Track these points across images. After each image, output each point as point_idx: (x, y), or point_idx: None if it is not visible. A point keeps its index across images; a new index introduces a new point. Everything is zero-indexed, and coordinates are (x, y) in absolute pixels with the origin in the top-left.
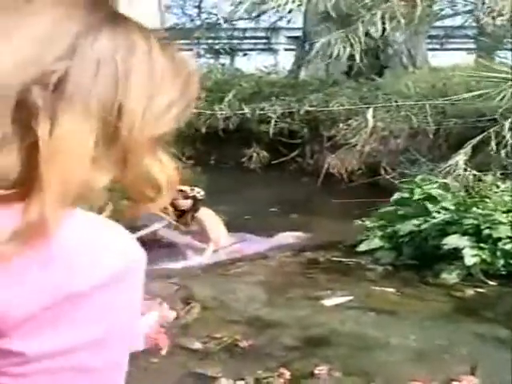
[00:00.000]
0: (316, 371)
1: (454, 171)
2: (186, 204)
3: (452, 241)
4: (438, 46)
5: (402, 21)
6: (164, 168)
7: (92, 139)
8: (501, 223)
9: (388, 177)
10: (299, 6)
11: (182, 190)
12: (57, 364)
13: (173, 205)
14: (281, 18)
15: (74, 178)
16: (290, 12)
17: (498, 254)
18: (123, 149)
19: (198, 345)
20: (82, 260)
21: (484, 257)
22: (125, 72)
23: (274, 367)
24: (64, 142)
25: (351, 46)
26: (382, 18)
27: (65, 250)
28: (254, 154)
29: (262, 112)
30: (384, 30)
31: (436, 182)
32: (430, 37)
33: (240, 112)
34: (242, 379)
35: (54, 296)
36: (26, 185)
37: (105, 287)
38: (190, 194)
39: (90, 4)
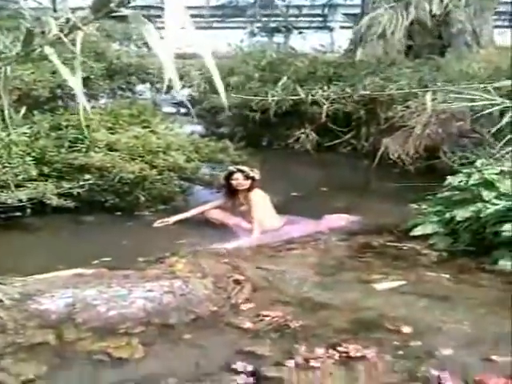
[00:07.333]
0: (366, 354)
1: None
2: (246, 184)
3: None
4: (506, 23)
5: None
6: None
7: None
8: None
9: (447, 160)
10: None
11: (242, 171)
12: None
13: (232, 186)
14: None
15: None
16: None
17: None
18: None
19: (248, 324)
20: None
21: None
22: None
23: (324, 348)
24: None
25: (396, 23)
26: None
27: None
28: (303, 136)
29: (314, 98)
30: (446, 6)
31: (496, 167)
32: (498, 13)
33: (293, 98)
34: (292, 358)
35: None
36: None
37: None
38: (251, 175)
39: None
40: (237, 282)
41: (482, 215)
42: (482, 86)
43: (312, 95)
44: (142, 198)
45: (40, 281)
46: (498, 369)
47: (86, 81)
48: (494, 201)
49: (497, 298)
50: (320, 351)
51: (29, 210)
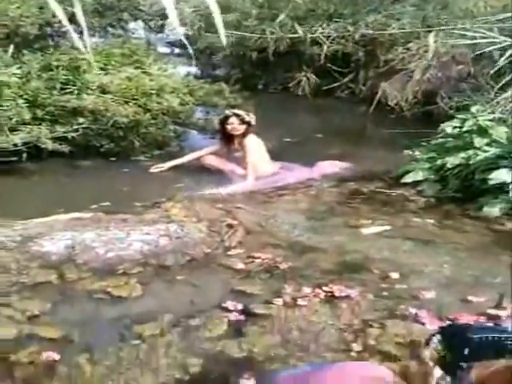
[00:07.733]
0: (350, 293)
1: (510, 102)
2: (241, 129)
3: (500, 175)
4: None
5: None
6: None
7: None
8: None
9: (444, 106)
10: None
11: (238, 115)
12: None
13: (227, 130)
14: None
15: None
16: None
17: None
18: None
19: (240, 265)
20: None
21: None
22: None
23: (311, 288)
24: None
25: None
26: None
27: None
28: (304, 79)
29: (313, 35)
30: None
31: (492, 113)
32: None
33: (291, 36)
34: (280, 297)
35: None
36: None
37: None
38: (246, 119)
39: None
40: (230, 226)
41: (471, 162)
42: (485, 24)
43: (312, 33)
44: (137, 143)
45: (40, 224)
46: (473, 308)
47: (74, 17)
48: (485, 148)
49: (479, 242)
50: (307, 290)
51: (24, 155)
